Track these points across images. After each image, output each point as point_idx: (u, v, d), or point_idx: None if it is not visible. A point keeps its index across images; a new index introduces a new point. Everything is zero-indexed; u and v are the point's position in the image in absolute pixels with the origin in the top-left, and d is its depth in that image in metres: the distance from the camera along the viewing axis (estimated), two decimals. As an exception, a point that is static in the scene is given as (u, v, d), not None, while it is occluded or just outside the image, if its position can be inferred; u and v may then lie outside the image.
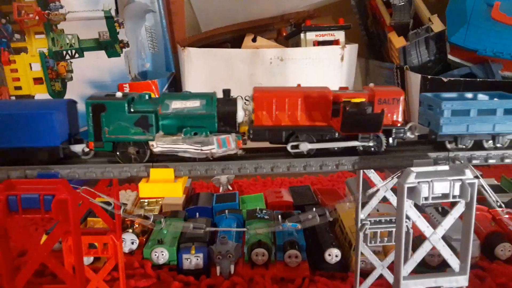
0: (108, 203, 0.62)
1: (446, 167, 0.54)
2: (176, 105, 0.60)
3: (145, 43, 1.75)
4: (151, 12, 1.73)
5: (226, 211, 1.07)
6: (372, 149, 0.62)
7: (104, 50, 1.54)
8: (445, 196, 0.53)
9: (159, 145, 0.59)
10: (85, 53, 1.54)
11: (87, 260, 0.92)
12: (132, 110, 0.61)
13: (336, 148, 0.62)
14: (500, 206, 0.62)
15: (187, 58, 1.53)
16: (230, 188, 1.26)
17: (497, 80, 1.44)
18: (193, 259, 0.93)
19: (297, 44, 1.67)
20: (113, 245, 0.73)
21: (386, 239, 0.71)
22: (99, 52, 1.54)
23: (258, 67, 1.53)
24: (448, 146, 0.64)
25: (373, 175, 0.66)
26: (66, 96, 1.56)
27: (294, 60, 1.53)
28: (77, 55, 1.54)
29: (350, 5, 1.78)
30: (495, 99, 0.65)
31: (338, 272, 0.92)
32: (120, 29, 1.52)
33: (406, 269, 0.55)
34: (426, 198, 0.53)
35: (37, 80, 1.56)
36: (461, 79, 1.48)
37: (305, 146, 0.61)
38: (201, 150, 0.58)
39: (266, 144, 0.66)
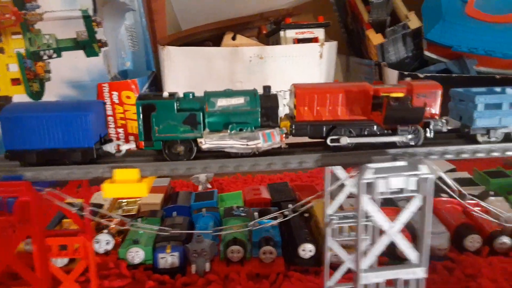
0: (73, 205, 0.62)
1: (404, 163, 0.56)
2: (222, 102, 0.63)
3: (125, 42, 1.74)
4: (131, 11, 1.72)
5: (204, 209, 1.07)
6: (412, 142, 0.64)
7: (82, 50, 1.53)
8: (402, 190, 0.55)
9: (207, 142, 0.61)
10: (63, 53, 1.53)
11: (62, 261, 0.92)
12: (180, 108, 0.62)
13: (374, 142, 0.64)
14: (462, 197, 0.63)
15: (166, 57, 1.53)
16: (209, 186, 1.26)
17: (472, 75, 1.47)
18: (168, 258, 0.94)
19: (278, 42, 1.68)
20: (83, 246, 0.73)
21: (353, 233, 0.72)
22: (77, 52, 1.53)
23: (238, 65, 1.54)
24: (480, 139, 0.66)
25: (339, 171, 0.67)
26: (45, 97, 1.55)
27: (273, 57, 1.54)
28: (55, 55, 1.52)
29: (329, 3, 1.79)
30: None
31: (312, 267, 0.93)
32: (99, 29, 1.51)
33: (366, 262, 0.57)
34: (383, 193, 0.54)
35: (15, 81, 1.54)
36: (437, 74, 1.50)
37: (344, 140, 0.63)
38: (247, 145, 0.61)
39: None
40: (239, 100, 0.62)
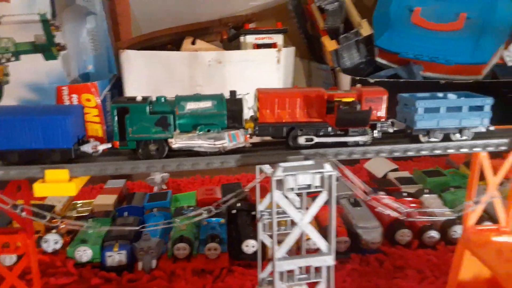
0: (16, 206, 0.65)
1: (312, 162, 0.61)
2: (191, 106, 0.67)
3: (87, 45, 1.76)
4: (92, 15, 1.74)
5: (155, 209, 1.11)
6: (361, 142, 0.71)
7: (41, 53, 1.54)
8: (309, 186, 0.60)
9: (177, 142, 0.65)
10: (21, 56, 1.53)
11: (10, 260, 0.94)
12: (152, 111, 0.67)
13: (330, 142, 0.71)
14: (366, 193, 0.70)
15: (126, 60, 1.56)
16: (164, 187, 1.30)
17: (418, 80, 1.56)
18: (116, 256, 0.97)
19: (238, 47, 1.73)
20: (24, 244, 0.76)
21: (283, 227, 0.77)
22: (36, 55, 1.54)
23: (197, 69, 1.58)
24: (422, 139, 0.72)
25: (266, 169, 0.72)
26: (4, 100, 1.56)
27: (232, 62, 1.59)
28: (13, 59, 1.53)
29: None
30: (462, 98, 0.74)
31: (255, 261, 0.98)
32: (58, 32, 1.53)
33: (281, 251, 0.62)
34: (292, 189, 0.60)
35: (-27, 84, 1.54)
36: (386, 80, 1.59)
37: (302, 140, 0.69)
38: (214, 144, 0.66)
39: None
40: (207, 104, 0.68)
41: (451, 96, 0.77)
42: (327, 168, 0.59)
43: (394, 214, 0.68)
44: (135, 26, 1.83)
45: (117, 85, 1.70)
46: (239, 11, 1.68)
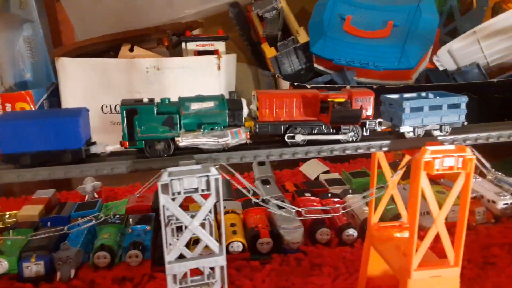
0: None
1: (199, 166, 0.63)
2: (195, 106, 0.71)
3: (24, 53, 1.72)
4: (29, 23, 1.71)
5: (79, 218, 1.10)
6: (352, 139, 0.76)
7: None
8: (196, 190, 0.62)
9: (183, 140, 0.68)
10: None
11: None
12: (159, 112, 0.70)
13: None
14: (255, 194, 0.73)
15: (61, 68, 1.54)
16: (96, 196, 1.28)
17: (352, 85, 1.63)
18: (33, 267, 0.95)
19: (181, 53, 1.75)
20: None
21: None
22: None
23: (135, 76, 1.58)
24: (407, 136, 0.77)
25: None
26: None
27: (171, 69, 1.60)
28: None
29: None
30: (437, 97, 0.80)
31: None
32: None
33: (172, 254, 0.64)
34: (179, 193, 0.61)
35: None
36: (322, 86, 1.64)
37: (299, 137, 0.74)
38: (218, 142, 0.69)
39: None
40: (210, 104, 0.72)
41: (431, 95, 0.84)
42: (213, 171, 0.61)
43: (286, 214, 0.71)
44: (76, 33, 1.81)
45: (56, 93, 1.67)
46: (177, 19, 1.70)
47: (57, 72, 1.56)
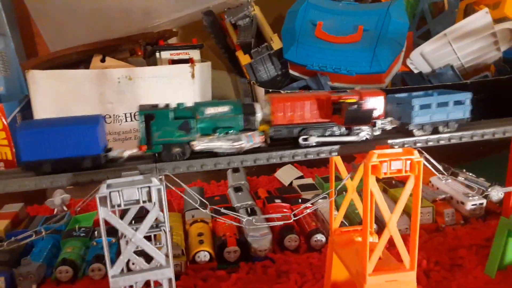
0: None
1: (141, 177, 0.62)
2: (210, 110, 0.72)
3: (-5, 66, 1.71)
4: (1, 36, 1.70)
5: (43, 232, 1.08)
6: (364, 138, 0.77)
7: None
8: (138, 201, 0.61)
9: (199, 144, 0.69)
10: None
11: None
12: (175, 117, 0.71)
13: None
14: (203, 204, 0.73)
15: (31, 80, 1.52)
16: (65, 209, 1.27)
17: (326, 91, 1.63)
18: (-7, 284, 0.93)
19: (155, 63, 1.74)
20: None
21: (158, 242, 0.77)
22: None
23: (106, 86, 1.57)
24: (416, 133, 0.79)
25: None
26: None
27: (143, 78, 1.59)
28: None
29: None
30: (447, 94, 0.83)
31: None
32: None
33: (115, 268, 0.62)
34: (119, 205, 0.60)
35: None
36: (297, 91, 1.64)
37: (313, 139, 0.75)
38: (233, 145, 0.70)
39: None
40: (225, 108, 0.73)
41: (435, 94, 0.86)
42: (155, 182, 0.60)
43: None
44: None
45: (30, 106, 1.65)
46: (150, 28, 1.70)
47: (27, 85, 1.55)
